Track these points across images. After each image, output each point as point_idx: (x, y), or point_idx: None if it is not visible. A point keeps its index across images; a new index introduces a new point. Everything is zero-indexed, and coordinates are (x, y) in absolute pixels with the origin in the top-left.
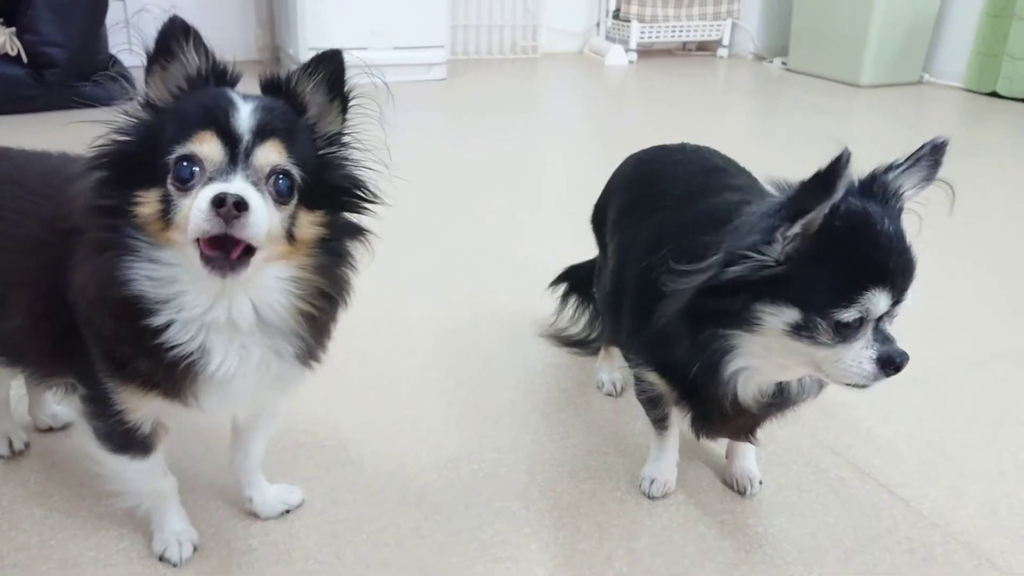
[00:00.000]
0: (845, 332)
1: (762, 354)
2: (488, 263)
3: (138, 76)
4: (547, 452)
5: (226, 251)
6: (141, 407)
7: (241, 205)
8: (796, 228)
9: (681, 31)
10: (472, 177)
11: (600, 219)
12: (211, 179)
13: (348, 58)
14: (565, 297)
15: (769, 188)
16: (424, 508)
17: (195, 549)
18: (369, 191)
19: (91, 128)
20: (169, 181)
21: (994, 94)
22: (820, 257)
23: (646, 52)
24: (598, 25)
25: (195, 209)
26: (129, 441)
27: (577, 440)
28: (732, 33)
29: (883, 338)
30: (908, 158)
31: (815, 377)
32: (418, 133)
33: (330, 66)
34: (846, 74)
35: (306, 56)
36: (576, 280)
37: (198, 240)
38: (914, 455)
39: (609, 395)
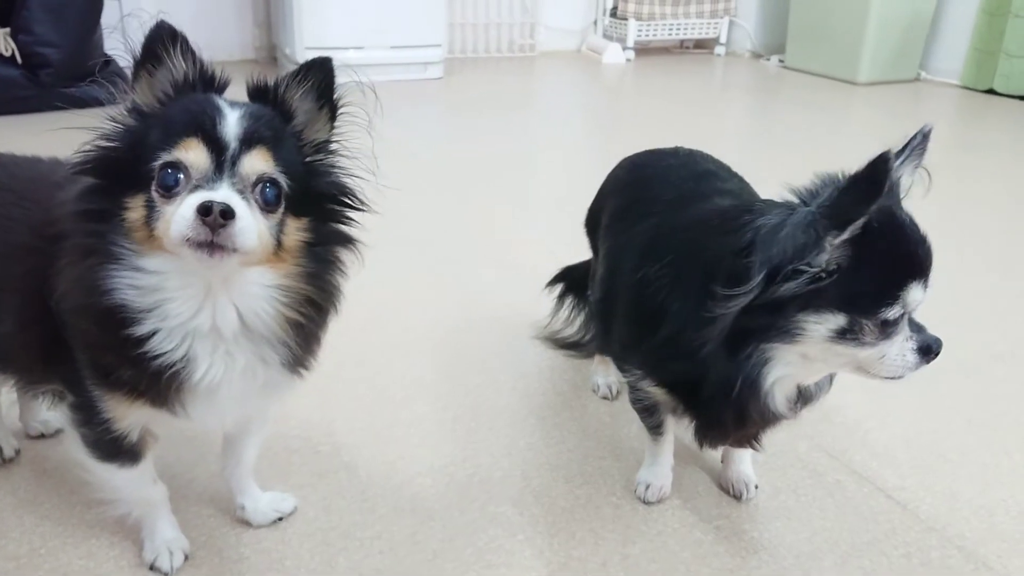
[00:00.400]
0: (888, 329)
1: (798, 362)
2: (484, 264)
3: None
4: (542, 457)
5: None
6: (128, 415)
7: (227, 214)
8: (846, 235)
9: (678, 29)
10: (468, 176)
11: (594, 223)
12: (197, 187)
13: (337, 64)
14: (561, 298)
15: (790, 196)
16: (418, 514)
17: (186, 558)
18: (356, 199)
19: (85, 130)
20: (153, 187)
21: (991, 91)
22: (860, 259)
23: (643, 50)
24: (595, 23)
25: (179, 216)
26: (117, 449)
27: (572, 444)
28: (729, 31)
29: (917, 327)
30: (904, 148)
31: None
32: (415, 132)
33: (320, 73)
34: (843, 71)
35: (303, 56)
36: (572, 281)
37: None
38: (911, 458)
39: (605, 398)
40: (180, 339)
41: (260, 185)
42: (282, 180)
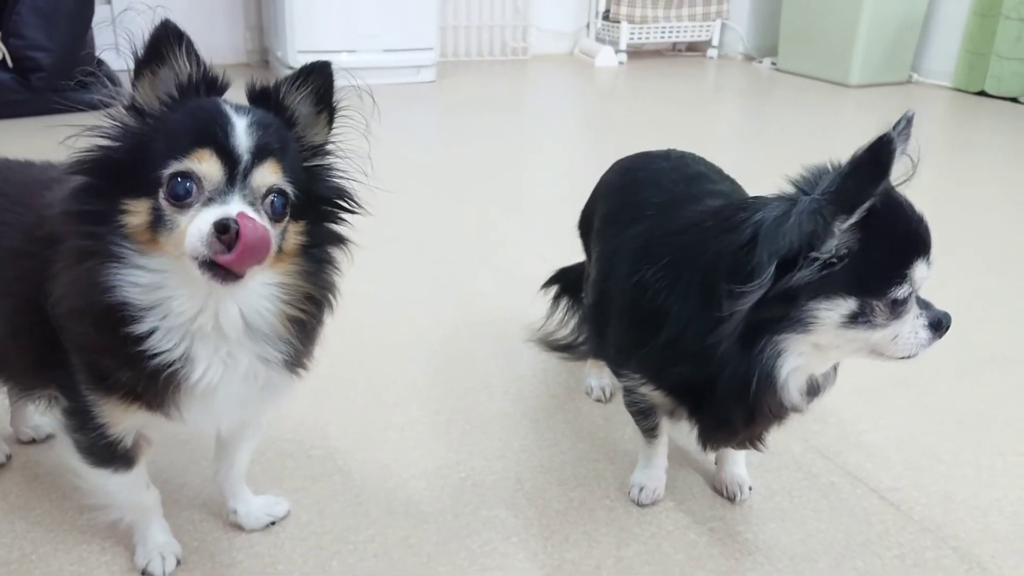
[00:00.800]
0: (898, 308)
1: (810, 351)
2: (478, 267)
3: (123, 78)
4: (536, 459)
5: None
6: (123, 420)
7: None
8: (854, 218)
9: (671, 32)
10: (462, 179)
11: (587, 226)
12: (210, 199)
13: (336, 68)
14: (556, 300)
15: (788, 188)
16: (412, 518)
17: (178, 562)
18: (353, 201)
19: (78, 134)
20: (162, 196)
21: (982, 93)
22: (867, 241)
23: (636, 53)
24: (588, 26)
25: (194, 231)
26: (111, 454)
27: (566, 447)
28: (721, 34)
29: (924, 304)
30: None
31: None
32: (408, 135)
33: (320, 78)
34: (835, 74)
35: (295, 59)
36: (567, 283)
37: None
38: (904, 459)
39: (598, 400)
40: (180, 338)
41: (270, 196)
42: (289, 190)
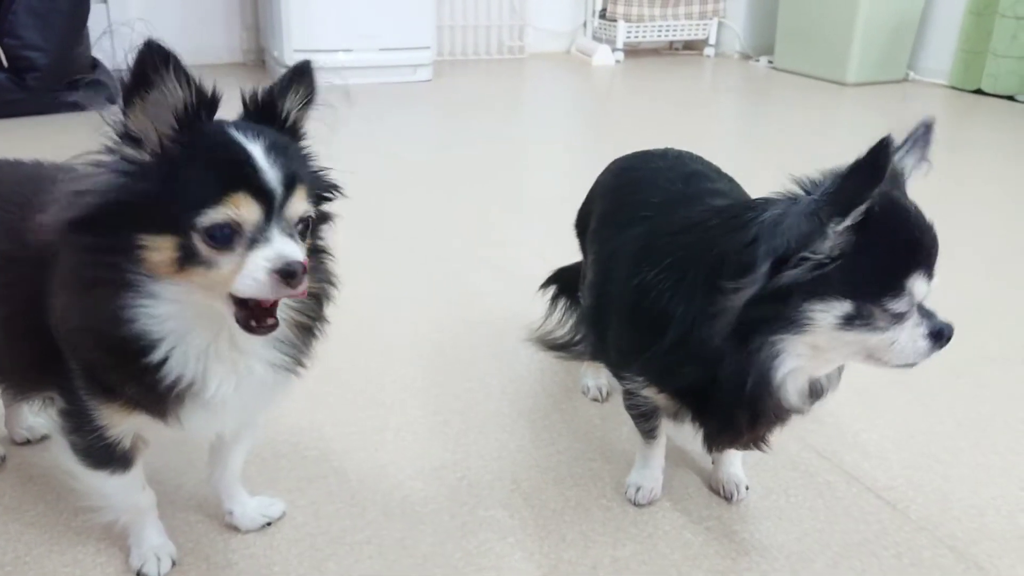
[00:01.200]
0: (897, 314)
1: (808, 353)
2: (475, 266)
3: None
4: (532, 459)
5: (263, 309)
6: (123, 423)
7: (302, 268)
8: (848, 221)
9: (668, 30)
10: (459, 179)
11: (584, 226)
12: (253, 239)
13: (316, 65)
14: (554, 300)
15: (793, 187)
16: (408, 518)
17: (174, 564)
18: (338, 188)
19: (73, 134)
20: (198, 239)
21: (979, 91)
22: (864, 245)
23: (633, 52)
24: (585, 25)
25: (250, 280)
26: (108, 456)
27: (563, 447)
28: (718, 32)
29: (927, 313)
30: (907, 140)
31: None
32: (405, 135)
33: (308, 80)
34: (832, 72)
35: (291, 59)
36: (565, 282)
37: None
38: (901, 459)
39: (595, 400)
40: (195, 360)
41: (300, 221)
42: (314, 211)
